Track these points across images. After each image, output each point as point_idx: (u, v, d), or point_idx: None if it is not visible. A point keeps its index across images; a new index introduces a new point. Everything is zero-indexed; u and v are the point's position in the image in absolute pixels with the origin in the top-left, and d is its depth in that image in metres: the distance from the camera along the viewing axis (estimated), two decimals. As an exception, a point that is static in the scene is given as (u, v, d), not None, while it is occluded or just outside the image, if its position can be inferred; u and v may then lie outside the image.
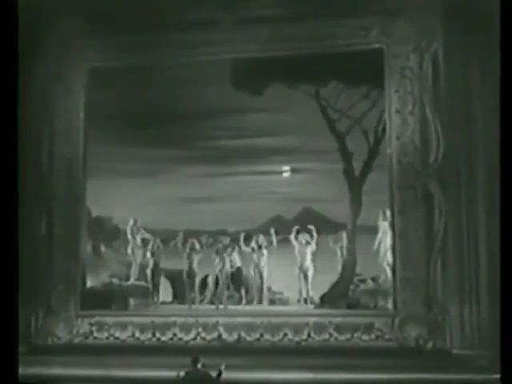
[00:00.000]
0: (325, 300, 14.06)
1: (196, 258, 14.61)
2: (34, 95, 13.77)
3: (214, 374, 10.17)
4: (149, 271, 14.86)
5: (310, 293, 14.16)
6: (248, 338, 13.31)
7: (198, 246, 14.64)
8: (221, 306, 14.32)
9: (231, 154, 14.67)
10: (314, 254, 14.24)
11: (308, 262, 14.19)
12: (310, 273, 14.18)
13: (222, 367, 10.17)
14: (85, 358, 12.95)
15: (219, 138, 14.67)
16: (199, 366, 10.09)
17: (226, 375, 10.46)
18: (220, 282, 14.49)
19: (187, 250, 14.59)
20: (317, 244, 14.21)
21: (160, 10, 13.62)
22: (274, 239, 14.36)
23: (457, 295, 12.46)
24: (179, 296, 14.94)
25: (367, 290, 13.90)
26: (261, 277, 14.46)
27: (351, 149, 14.12)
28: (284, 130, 14.20)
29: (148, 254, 14.93)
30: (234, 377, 11.11)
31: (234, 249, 14.72)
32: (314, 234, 14.20)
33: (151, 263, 14.89)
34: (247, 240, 14.67)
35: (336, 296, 13.97)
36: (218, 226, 14.92)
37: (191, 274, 14.61)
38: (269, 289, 14.64)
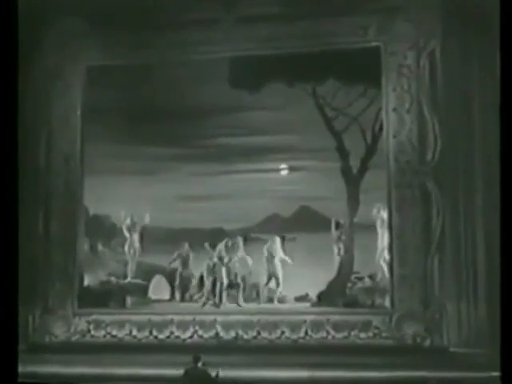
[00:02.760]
0: (322, 298, 14.07)
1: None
2: (33, 93, 13.76)
3: (212, 373, 10.21)
4: (178, 275, 14.86)
5: (281, 293, 14.25)
6: (245, 336, 13.31)
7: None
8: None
9: (229, 152, 14.68)
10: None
11: (276, 266, 14.27)
12: (280, 275, 14.27)
13: (219, 371, 10.21)
14: (82, 356, 12.96)
15: (217, 135, 14.68)
16: (200, 364, 10.12)
17: (223, 373, 10.49)
18: (217, 281, 14.50)
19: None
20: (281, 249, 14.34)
21: (159, 9, 13.62)
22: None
23: (454, 293, 12.48)
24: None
25: (364, 287, 13.88)
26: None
27: (348, 147, 14.13)
28: (282, 128, 14.22)
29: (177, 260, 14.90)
30: (231, 375, 11.15)
31: (231, 247, 14.73)
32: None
33: (180, 268, 14.84)
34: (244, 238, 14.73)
35: (333, 294, 13.96)
36: (215, 225, 14.91)
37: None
38: (266, 287, 14.70)
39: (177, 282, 14.91)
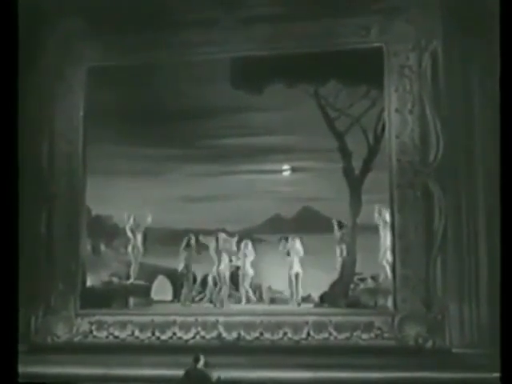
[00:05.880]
0: (324, 299, 14.10)
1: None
2: (35, 95, 13.71)
3: (213, 374, 10.21)
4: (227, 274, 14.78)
5: (300, 294, 14.27)
6: (247, 337, 13.28)
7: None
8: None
9: (230, 153, 14.72)
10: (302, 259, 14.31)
11: (296, 267, 14.25)
12: (299, 276, 14.25)
13: (220, 376, 10.24)
14: (84, 357, 12.93)
15: (219, 136, 14.71)
16: (200, 364, 10.13)
17: (225, 374, 10.49)
18: (219, 281, 14.52)
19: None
20: (304, 250, 14.30)
21: (160, 9, 13.60)
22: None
23: (456, 294, 12.42)
24: (179, 295, 14.97)
25: (367, 288, 13.93)
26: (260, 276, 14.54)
27: (351, 148, 14.16)
28: (283, 128, 14.26)
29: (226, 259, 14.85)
30: (233, 375, 11.15)
31: (234, 247, 14.76)
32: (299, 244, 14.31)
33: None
34: (246, 239, 14.76)
35: (336, 295, 13.99)
36: (217, 225, 14.92)
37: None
38: (269, 288, 14.74)
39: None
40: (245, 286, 14.68)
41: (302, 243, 14.32)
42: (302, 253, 14.26)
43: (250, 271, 14.65)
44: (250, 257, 14.65)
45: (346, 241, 14.33)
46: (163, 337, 13.56)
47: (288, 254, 14.32)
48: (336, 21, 13.41)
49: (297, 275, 14.25)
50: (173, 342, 13.45)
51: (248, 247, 14.63)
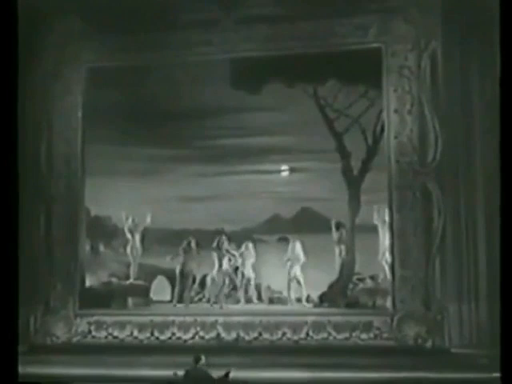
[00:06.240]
0: (324, 299, 14.10)
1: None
2: (33, 95, 13.72)
3: (218, 373, 10.19)
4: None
5: (304, 294, 14.27)
6: (246, 337, 13.30)
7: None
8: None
9: (229, 153, 14.70)
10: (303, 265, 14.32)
11: (297, 274, 14.25)
12: (301, 280, 14.25)
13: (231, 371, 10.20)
14: (83, 357, 12.94)
15: (217, 137, 14.69)
16: (201, 364, 10.10)
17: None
18: (218, 282, 14.52)
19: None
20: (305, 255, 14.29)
21: (158, 10, 13.59)
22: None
23: (455, 294, 12.45)
24: (178, 295, 14.94)
25: (366, 288, 13.93)
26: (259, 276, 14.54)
27: (349, 148, 14.17)
28: (282, 129, 14.25)
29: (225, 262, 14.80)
30: (232, 375, 11.13)
31: (233, 248, 14.75)
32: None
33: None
34: (246, 239, 14.75)
35: (335, 295, 14.00)
36: (216, 226, 14.92)
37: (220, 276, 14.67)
38: (268, 288, 14.73)
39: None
40: (244, 287, 14.65)
41: (303, 246, 14.30)
42: (302, 259, 14.23)
43: (251, 274, 14.61)
44: (251, 259, 14.62)
45: (345, 241, 14.32)
46: (162, 337, 13.58)
47: (289, 259, 14.30)
48: (335, 21, 13.44)
49: (298, 281, 14.25)
50: (172, 343, 13.46)
51: (248, 249, 14.61)
